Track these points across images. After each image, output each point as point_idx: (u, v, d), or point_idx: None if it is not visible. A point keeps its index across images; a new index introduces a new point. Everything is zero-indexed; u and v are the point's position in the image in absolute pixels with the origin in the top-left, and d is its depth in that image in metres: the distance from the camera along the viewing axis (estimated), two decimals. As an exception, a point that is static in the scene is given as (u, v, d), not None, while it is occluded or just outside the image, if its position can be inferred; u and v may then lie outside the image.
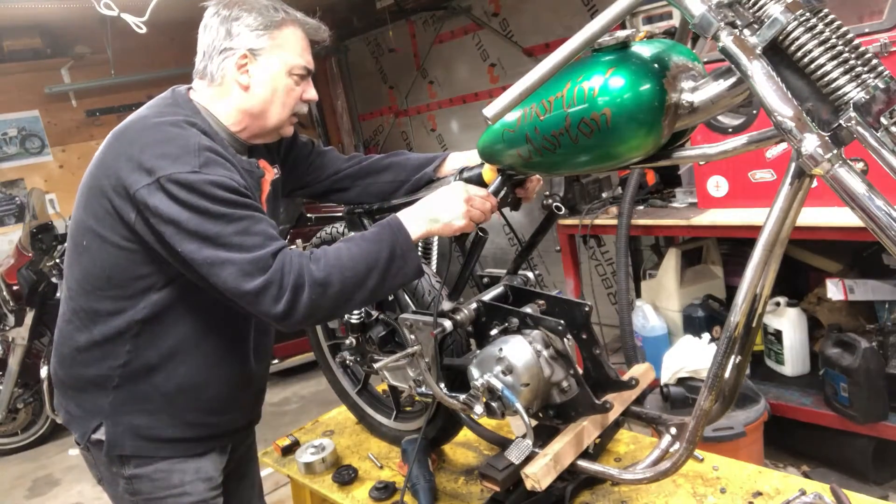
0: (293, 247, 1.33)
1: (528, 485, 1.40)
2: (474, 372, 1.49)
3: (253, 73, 1.41)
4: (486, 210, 1.43)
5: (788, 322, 2.85)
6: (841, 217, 2.25)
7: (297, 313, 1.26)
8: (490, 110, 1.08)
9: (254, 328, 1.56)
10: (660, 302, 3.27)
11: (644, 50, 1.12)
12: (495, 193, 1.46)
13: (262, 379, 1.73)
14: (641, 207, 3.09)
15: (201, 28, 1.44)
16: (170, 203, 1.25)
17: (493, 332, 1.52)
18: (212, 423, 1.56)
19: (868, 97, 0.88)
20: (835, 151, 0.90)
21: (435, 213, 1.40)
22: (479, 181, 1.53)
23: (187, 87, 1.48)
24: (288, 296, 1.25)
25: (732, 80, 1.06)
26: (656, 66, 1.09)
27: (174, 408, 1.48)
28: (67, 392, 1.52)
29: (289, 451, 2.15)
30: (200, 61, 1.45)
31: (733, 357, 1.19)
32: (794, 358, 2.89)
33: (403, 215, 1.40)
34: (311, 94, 1.50)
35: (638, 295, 3.48)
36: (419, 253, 1.75)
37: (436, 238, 1.94)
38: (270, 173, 1.56)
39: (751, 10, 0.94)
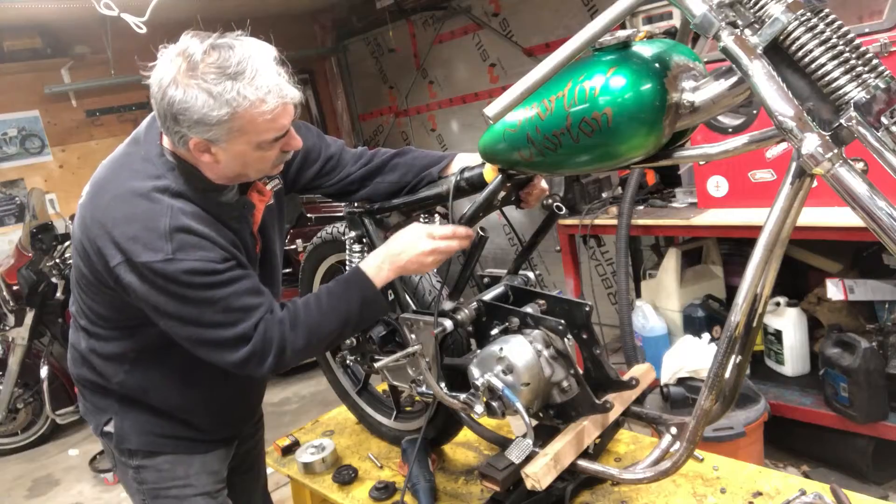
0: (273, 308, 1.36)
1: (529, 484, 1.40)
2: (475, 371, 1.49)
3: (215, 153, 1.29)
4: (452, 244, 1.46)
5: (788, 322, 2.85)
6: (841, 217, 2.25)
7: (282, 368, 1.38)
8: (491, 110, 1.08)
9: None
10: (660, 302, 3.27)
11: (645, 50, 1.12)
12: (493, 194, 1.46)
13: (262, 386, 1.79)
14: (641, 207, 3.09)
15: (151, 92, 1.27)
16: (145, 287, 1.27)
17: (494, 331, 1.53)
18: (213, 428, 1.62)
19: (869, 97, 0.88)
20: (835, 151, 0.90)
21: (400, 261, 1.44)
22: (480, 181, 1.53)
23: (158, 135, 1.36)
24: (271, 360, 1.34)
25: (733, 79, 1.07)
26: (657, 65, 1.09)
27: (175, 415, 1.55)
28: (80, 388, 1.61)
29: (289, 451, 2.15)
30: (160, 125, 1.30)
31: (733, 357, 1.19)
32: (794, 358, 2.89)
33: (368, 265, 1.45)
34: (293, 144, 1.37)
35: (638, 295, 3.48)
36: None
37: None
38: (264, 199, 1.51)
39: (752, 10, 0.94)
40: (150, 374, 1.50)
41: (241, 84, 1.20)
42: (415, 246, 1.43)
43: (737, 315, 1.13)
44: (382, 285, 1.44)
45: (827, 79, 0.90)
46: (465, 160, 1.67)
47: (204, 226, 1.30)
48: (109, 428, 1.55)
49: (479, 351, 1.54)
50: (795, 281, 3.08)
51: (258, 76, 1.21)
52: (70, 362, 1.60)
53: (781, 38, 0.92)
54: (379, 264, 1.45)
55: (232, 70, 1.20)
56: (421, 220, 1.70)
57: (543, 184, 1.56)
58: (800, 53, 0.91)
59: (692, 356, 2.51)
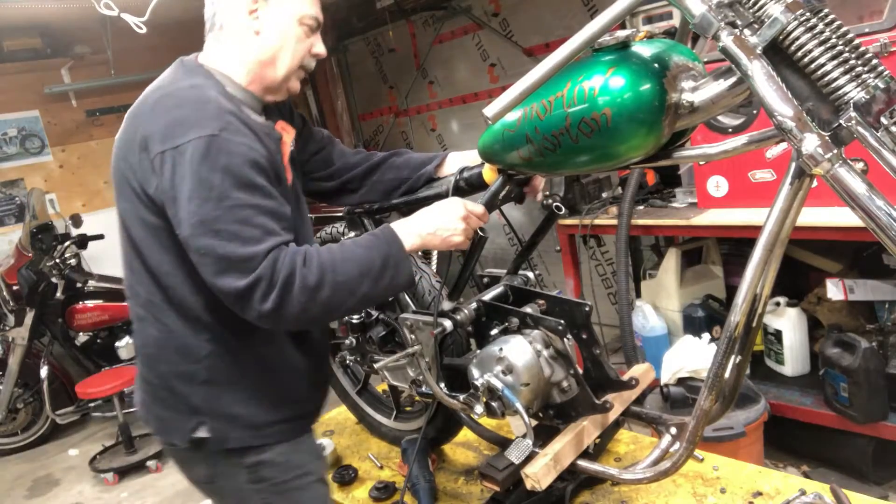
0: (290, 244, 1.26)
1: (528, 484, 1.40)
2: (474, 372, 1.49)
3: (263, 17, 1.36)
4: (479, 225, 1.44)
5: (788, 322, 2.84)
6: (841, 217, 2.25)
7: (284, 313, 1.22)
8: (490, 110, 1.08)
9: None
10: (660, 302, 3.27)
11: (644, 50, 1.12)
12: (496, 194, 1.46)
13: (325, 343, 1.68)
14: (641, 207, 3.09)
15: None
16: (180, 172, 1.20)
17: (494, 331, 1.53)
18: (306, 395, 1.50)
19: (868, 97, 0.88)
20: (835, 151, 0.90)
21: (433, 228, 1.39)
22: (479, 181, 1.53)
23: (195, 55, 1.43)
24: (276, 294, 1.20)
25: (733, 79, 1.07)
26: (657, 65, 1.09)
27: (265, 390, 1.42)
28: (158, 394, 1.42)
29: (289, 450, 2.15)
30: (208, 9, 1.40)
31: (733, 357, 1.19)
32: (794, 358, 2.89)
33: (399, 226, 1.38)
34: (320, 48, 1.46)
35: (638, 295, 3.48)
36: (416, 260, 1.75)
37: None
38: (290, 133, 1.51)
39: (751, 10, 0.94)
40: (234, 332, 1.36)
41: None
42: (451, 224, 1.39)
43: (737, 315, 1.13)
44: (409, 251, 1.36)
45: (826, 79, 0.90)
46: (456, 159, 1.68)
47: (243, 130, 1.27)
48: (202, 433, 1.37)
49: (478, 351, 1.54)
50: (795, 281, 3.08)
51: None
52: (144, 369, 1.44)
53: (781, 38, 0.92)
54: (410, 229, 1.37)
55: None
56: None
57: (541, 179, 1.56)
58: (799, 53, 0.91)
59: (692, 356, 2.51)
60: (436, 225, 1.39)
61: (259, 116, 1.41)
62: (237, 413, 1.38)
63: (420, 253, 1.88)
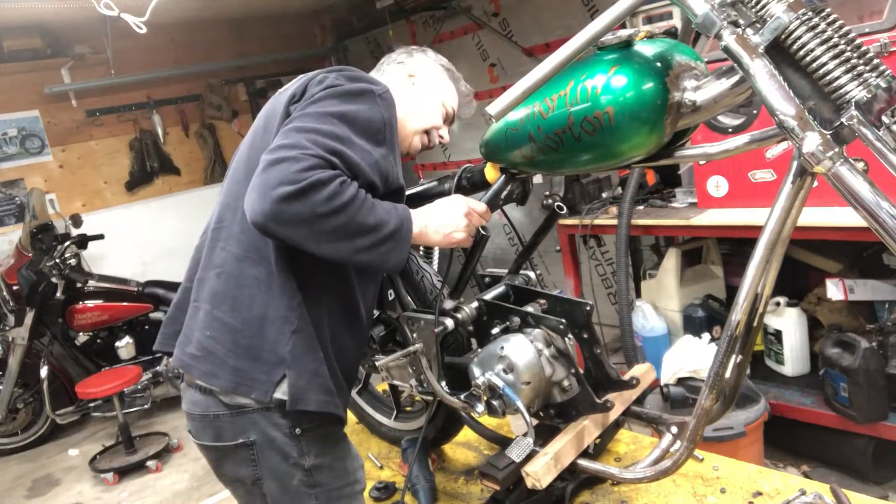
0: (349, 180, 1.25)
1: (529, 484, 1.40)
2: (476, 370, 1.49)
3: (416, 81, 1.58)
4: (481, 223, 1.46)
5: (788, 322, 2.85)
6: (841, 217, 2.25)
7: (289, 209, 1.16)
8: (493, 108, 1.08)
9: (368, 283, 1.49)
10: (660, 302, 3.27)
11: (646, 49, 1.13)
12: (498, 193, 1.47)
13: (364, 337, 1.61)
14: (641, 207, 3.09)
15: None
16: (325, 89, 1.30)
17: (495, 330, 1.53)
18: (349, 374, 1.47)
19: (870, 96, 0.88)
20: (836, 150, 0.90)
21: (436, 224, 1.39)
22: (482, 180, 1.53)
23: None
24: (303, 186, 1.15)
25: (734, 78, 1.07)
26: (659, 64, 1.10)
27: (337, 355, 1.39)
28: (241, 341, 1.33)
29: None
30: (376, 70, 1.63)
31: (734, 357, 1.19)
32: (794, 358, 2.89)
33: (416, 214, 1.37)
34: (444, 134, 1.62)
35: (638, 295, 3.48)
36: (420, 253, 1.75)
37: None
38: None
39: (753, 10, 0.94)
40: (316, 283, 1.34)
41: (458, 83, 1.65)
42: (454, 221, 1.40)
43: (737, 315, 1.13)
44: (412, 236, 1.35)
45: (828, 78, 0.91)
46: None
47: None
48: (281, 393, 1.30)
49: (479, 350, 1.54)
50: (795, 281, 3.08)
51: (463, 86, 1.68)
52: (232, 313, 1.34)
53: (783, 37, 0.92)
54: (416, 218, 1.36)
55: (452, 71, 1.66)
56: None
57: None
58: (801, 52, 0.92)
59: (692, 356, 2.51)
60: (439, 221, 1.39)
61: None
62: (319, 371, 1.33)
63: (422, 252, 1.89)
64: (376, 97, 1.32)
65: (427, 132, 1.59)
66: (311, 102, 1.29)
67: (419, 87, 1.59)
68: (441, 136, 1.61)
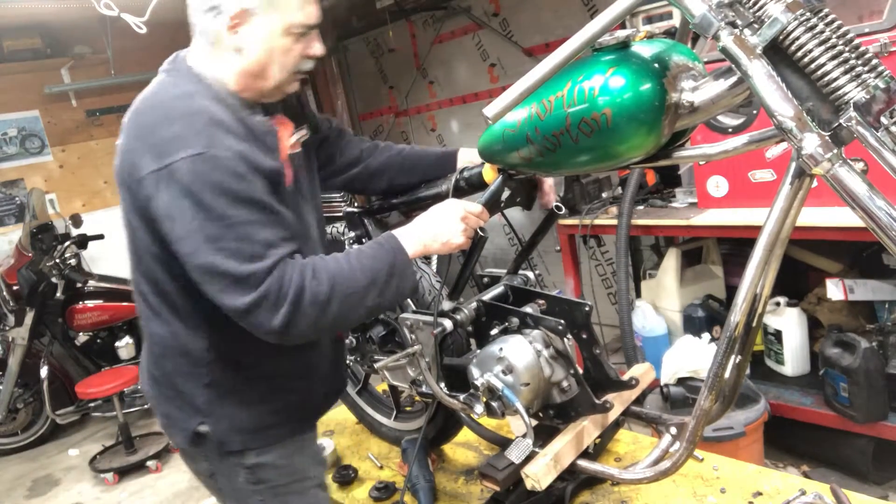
0: (296, 255, 1.25)
1: (528, 484, 1.40)
2: (474, 371, 1.49)
3: (244, 34, 1.28)
4: (478, 225, 1.44)
5: (788, 322, 2.84)
6: (841, 217, 2.25)
7: (293, 329, 1.21)
8: (490, 110, 1.08)
9: None
10: (660, 302, 3.27)
11: (644, 50, 1.12)
12: (496, 194, 1.46)
13: (340, 347, 1.64)
14: (641, 207, 3.09)
15: None
16: (171, 194, 1.19)
17: (494, 331, 1.53)
18: (311, 403, 1.50)
19: (868, 97, 0.88)
20: (835, 151, 0.90)
21: (433, 233, 1.38)
22: (480, 181, 1.53)
23: (186, 53, 1.38)
24: (286, 309, 1.19)
25: (733, 79, 1.07)
26: (657, 65, 1.10)
27: (270, 396, 1.41)
28: (163, 391, 1.43)
29: (289, 450, 2.15)
30: (191, 17, 1.32)
31: (733, 357, 1.19)
32: (794, 358, 2.89)
33: (401, 234, 1.37)
34: (316, 49, 1.36)
35: (638, 295, 3.48)
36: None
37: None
38: (289, 128, 1.44)
39: (751, 10, 0.94)
40: (232, 337, 1.32)
41: None
42: (451, 227, 1.38)
43: (737, 315, 1.13)
44: (412, 258, 1.36)
45: (826, 79, 0.90)
46: (466, 154, 1.66)
47: (238, 134, 1.26)
48: (204, 428, 1.37)
49: (478, 351, 1.54)
50: (795, 281, 3.08)
51: None
52: (152, 366, 1.44)
53: (781, 38, 0.92)
54: (411, 236, 1.36)
55: None
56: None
57: (550, 181, 1.56)
58: (799, 53, 0.91)
59: (692, 356, 2.51)
60: (436, 230, 1.38)
61: (258, 114, 1.37)
62: (239, 416, 1.38)
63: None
64: (202, 164, 1.18)
65: (297, 71, 1.37)
66: (169, 218, 1.20)
67: (248, 40, 1.29)
68: (313, 56, 1.36)
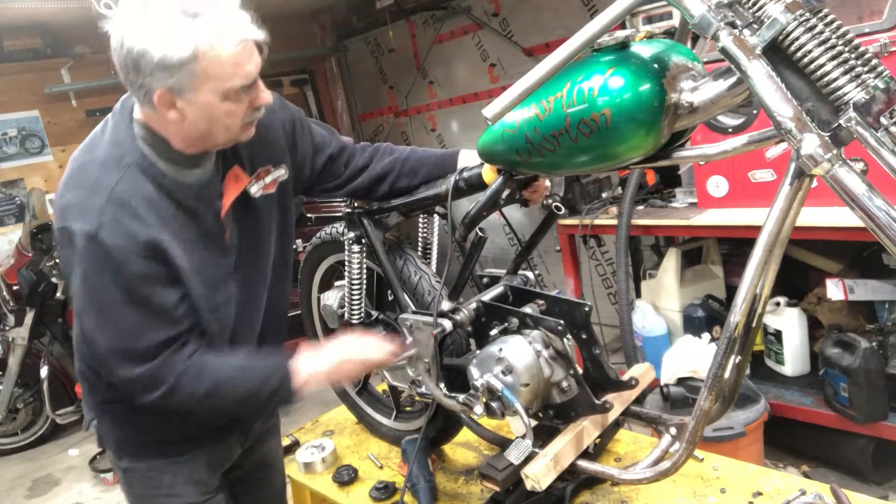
0: (186, 345, 1.31)
1: (528, 485, 1.40)
2: (474, 372, 1.49)
3: (181, 107, 1.21)
4: (387, 352, 1.49)
5: (788, 322, 2.84)
6: (841, 217, 2.25)
7: (167, 406, 1.32)
8: (490, 111, 1.07)
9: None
10: (660, 302, 3.27)
11: (644, 50, 1.12)
12: (496, 194, 1.46)
13: None
14: (641, 207, 3.09)
15: (111, 46, 1.20)
16: (67, 255, 1.25)
17: (493, 332, 1.52)
18: (191, 434, 1.54)
19: (868, 97, 0.88)
20: (835, 151, 0.90)
21: (325, 374, 1.43)
22: (479, 181, 1.53)
23: (131, 105, 1.33)
24: (158, 394, 1.29)
25: (732, 80, 1.06)
26: (656, 66, 1.09)
27: (145, 422, 1.49)
28: (80, 383, 1.56)
29: (289, 451, 2.15)
30: (123, 81, 1.24)
31: (733, 357, 1.19)
32: (794, 358, 2.89)
33: (302, 362, 1.40)
34: (263, 98, 1.28)
35: (638, 295, 3.48)
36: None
37: (436, 238, 1.94)
38: (239, 185, 1.41)
39: (750, 10, 0.94)
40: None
41: (201, 22, 1.13)
42: (354, 367, 1.46)
43: (736, 315, 1.12)
44: (302, 389, 1.40)
45: (826, 79, 0.90)
46: (467, 156, 1.66)
47: (149, 207, 1.25)
48: (94, 423, 1.55)
49: (478, 351, 1.54)
50: (795, 281, 3.08)
51: (219, 14, 1.16)
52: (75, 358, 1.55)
53: (780, 38, 0.92)
54: (310, 367, 1.41)
55: (191, 9, 1.13)
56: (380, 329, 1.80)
57: (547, 181, 1.55)
58: (799, 54, 0.91)
59: (692, 356, 2.51)
60: (338, 366, 1.44)
61: (198, 170, 1.34)
62: (115, 426, 1.52)
63: (419, 252, 1.89)
64: (95, 245, 1.20)
65: (245, 123, 1.30)
66: (66, 268, 1.28)
67: (187, 112, 1.22)
68: (261, 105, 1.29)
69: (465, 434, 1.96)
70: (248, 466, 1.74)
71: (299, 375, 1.39)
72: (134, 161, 1.27)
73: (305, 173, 1.63)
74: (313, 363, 1.42)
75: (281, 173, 1.50)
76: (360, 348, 1.47)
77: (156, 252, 1.25)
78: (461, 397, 1.53)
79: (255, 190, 1.45)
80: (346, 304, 1.87)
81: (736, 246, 3.30)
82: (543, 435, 1.50)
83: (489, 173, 1.51)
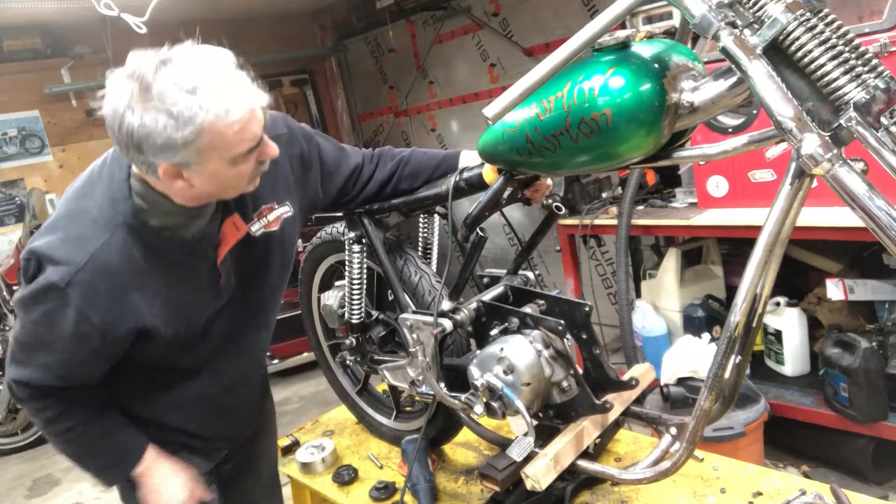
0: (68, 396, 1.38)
1: (528, 485, 1.40)
2: (475, 372, 1.49)
3: (187, 177, 1.19)
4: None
5: (788, 322, 2.84)
6: (841, 217, 2.25)
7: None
8: (490, 110, 1.07)
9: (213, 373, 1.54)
10: (660, 302, 3.27)
11: (644, 50, 1.12)
12: (497, 194, 1.46)
13: (237, 405, 1.70)
14: (641, 207, 3.09)
15: (106, 123, 1.16)
16: (26, 279, 1.28)
17: (494, 332, 1.52)
18: (185, 442, 1.58)
19: (868, 97, 0.88)
20: (835, 151, 0.90)
21: (152, 488, 1.47)
22: (480, 182, 1.53)
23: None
24: (27, 407, 1.40)
25: (733, 79, 1.06)
26: (656, 66, 1.09)
27: (147, 431, 1.52)
28: None
29: (289, 451, 2.15)
30: (123, 153, 1.20)
31: (733, 357, 1.19)
32: (794, 358, 2.89)
33: (143, 461, 1.46)
34: (269, 153, 1.27)
35: (638, 295, 3.48)
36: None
37: (436, 238, 1.95)
38: (238, 234, 1.41)
39: (751, 10, 0.94)
40: (120, 391, 1.49)
41: (201, 97, 1.10)
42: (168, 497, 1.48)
43: (737, 315, 1.12)
44: (131, 477, 1.46)
45: (826, 79, 0.90)
46: (468, 156, 1.66)
47: (131, 273, 1.26)
48: None
49: (478, 351, 1.54)
50: (795, 281, 3.08)
51: (218, 85, 1.12)
52: None
53: (781, 38, 0.92)
54: (147, 469, 1.47)
55: (189, 84, 1.10)
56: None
57: (549, 180, 1.56)
58: (799, 54, 0.91)
59: (692, 356, 2.51)
60: (157, 490, 1.48)
61: (194, 225, 1.33)
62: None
63: (420, 252, 1.89)
64: (51, 293, 1.23)
65: (254, 176, 1.29)
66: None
67: (196, 180, 1.20)
68: (267, 155, 1.27)
69: (465, 434, 1.96)
70: (241, 456, 1.78)
71: (139, 468, 1.46)
72: (125, 221, 1.26)
73: (318, 202, 1.64)
74: (147, 466, 1.47)
75: (285, 210, 1.49)
76: (164, 488, 1.49)
77: (110, 334, 1.28)
78: (462, 397, 1.53)
79: (257, 229, 1.45)
80: (347, 303, 1.88)
81: (736, 246, 3.30)
82: (543, 435, 1.50)
83: (490, 173, 1.51)
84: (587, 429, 1.49)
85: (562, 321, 1.42)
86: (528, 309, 1.51)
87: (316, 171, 1.60)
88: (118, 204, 1.26)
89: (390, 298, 1.82)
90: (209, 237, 1.37)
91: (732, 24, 0.94)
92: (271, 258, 1.52)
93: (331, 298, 1.99)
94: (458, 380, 1.60)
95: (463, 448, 2.02)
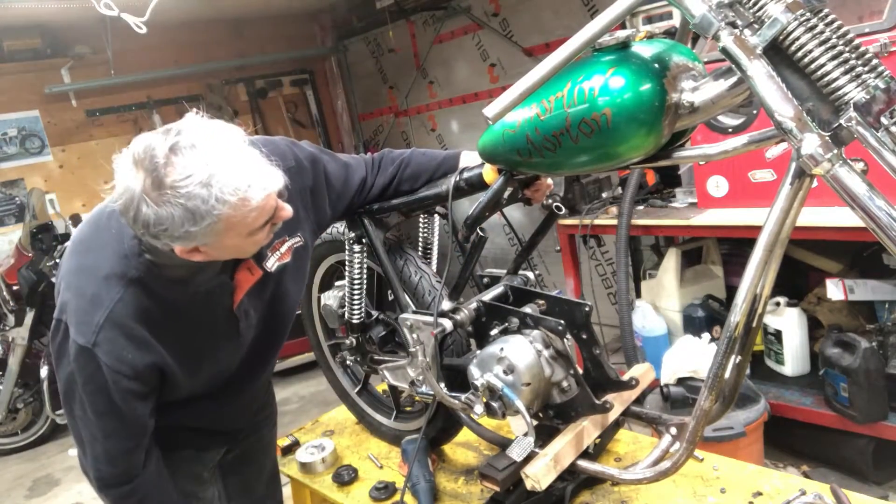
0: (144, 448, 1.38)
1: (528, 485, 1.40)
2: (475, 372, 1.49)
3: (205, 251, 1.20)
4: None
5: (788, 322, 2.84)
6: (841, 217, 2.25)
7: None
8: (490, 110, 1.08)
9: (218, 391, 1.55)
10: (660, 302, 3.27)
11: (644, 50, 1.12)
12: (497, 195, 1.46)
13: (242, 407, 1.72)
14: (641, 207, 3.09)
15: (120, 208, 1.14)
16: (61, 348, 1.28)
17: (494, 332, 1.52)
18: (184, 439, 1.59)
19: (868, 97, 0.88)
20: (835, 151, 0.90)
21: None
22: (480, 182, 1.53)
23: None
24: (122, 491, 1.38)
25: (733, 79, 1.06)
26: (657, 66, 1.09)
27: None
28: None
29: (289, 451, 2.15)
30: (139, 234, 1.18)
31: (733, 357, 1.19)
32: (794, 358, 2.89)
33: None
34: (283, 215, 1.26)
35: (638, 295, 3.48)
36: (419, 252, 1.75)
37: (436, 238, 1.95)
38: (252, 278, 1.42)
39: (751, 10, 0.94)
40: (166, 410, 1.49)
41: (217, 189, 1.09)
42: None
43: (737, 315, 1.12)
44: None
45: (826, 79, 0.90)
46: (469, 157, 1.66)
47: (147, 325, 1.27)
48: None
49: (478, 351, 1.54)
50: (795, 281, 3.08)
51: (233, 173, 1.11)
52: None
53: (781, 38, 0.92)
54: None
55: (202, 175, 1.08)
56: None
57: (549, 180, 1.56)
58: (799, 54, 0.91)
59: (692, 356, 2.51)
60: None
61: (205, 277, 1.33)
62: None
63: (420, 252, 1.89)
64: (86, 361, 1.25)
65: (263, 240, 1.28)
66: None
67: (215, 251, 1.21)
68: (281, 218, 1.26)
69: (465, 434, 1.96)
70: (244, 448, 1.81)
71: None
72: (137, 276, 1.26)
73: (327, 221, 1.68)
74: None
75: (296, 241, 1.51)
76: None
77: (143, 375, 1.29)
78: (462, 397, 1.53)
79: (271, 263, 1.46)
80: (347, 303, 1.88)
81: (736, 246, 3.30)
82: (543, 435, 1.50)
83: (490, 173, 1.51)
84: (587, 429, 1.49)
85: (562, 321, 1.42)
86: (528, 309, 1.51)
87: (324, 196, 1.62)
88: (130, 259, 1.27)
89: (390, 298, 1.82)
90: (224, 285, 1.39)
91: (732, 24, 0.94)
92: (288, 285, 1.56)
93: (331, 298, 2.00)
94: (458, 380, 1.60)
95: (463, 448, 2.02)
